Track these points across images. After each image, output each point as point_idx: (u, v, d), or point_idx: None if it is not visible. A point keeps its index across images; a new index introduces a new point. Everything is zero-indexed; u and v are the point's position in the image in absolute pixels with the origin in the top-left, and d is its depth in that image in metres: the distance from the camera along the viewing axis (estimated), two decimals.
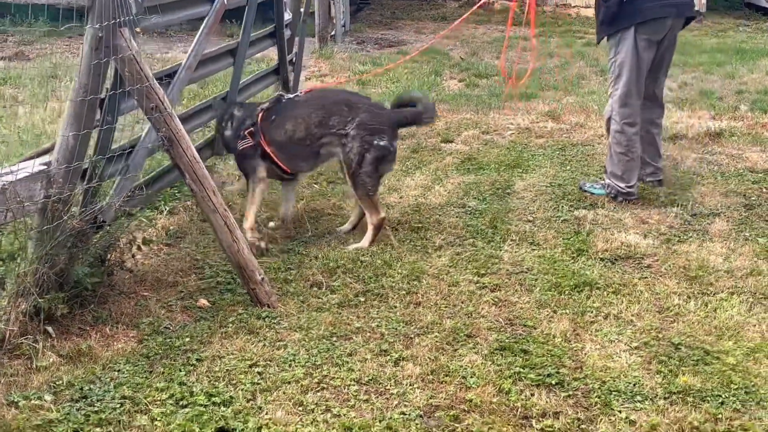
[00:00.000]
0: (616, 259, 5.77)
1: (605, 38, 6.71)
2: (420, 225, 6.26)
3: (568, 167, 7.63)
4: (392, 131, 6.00)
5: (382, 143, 5.92)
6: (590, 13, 15.26)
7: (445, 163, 7.78)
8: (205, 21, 6.05)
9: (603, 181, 6.92)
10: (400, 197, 6.85)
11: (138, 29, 4.58)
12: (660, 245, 5.98)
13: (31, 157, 4.80)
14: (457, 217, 6.44)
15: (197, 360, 4.44)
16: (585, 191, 6.95)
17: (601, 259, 5.75)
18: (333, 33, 13.41)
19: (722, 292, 5.30)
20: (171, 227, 6.08)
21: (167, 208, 6.31)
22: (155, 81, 4.69)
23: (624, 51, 6.54)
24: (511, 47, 13.93)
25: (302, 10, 9.05)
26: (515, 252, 5.84)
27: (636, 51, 6.51)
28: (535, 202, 6.76)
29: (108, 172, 5.03)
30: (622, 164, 6.70)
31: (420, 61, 12.50)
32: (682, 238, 6.11)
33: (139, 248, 5.30)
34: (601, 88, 10.50)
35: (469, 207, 6.64)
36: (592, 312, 5.03)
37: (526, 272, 5.54)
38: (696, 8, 16.64)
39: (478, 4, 10.84)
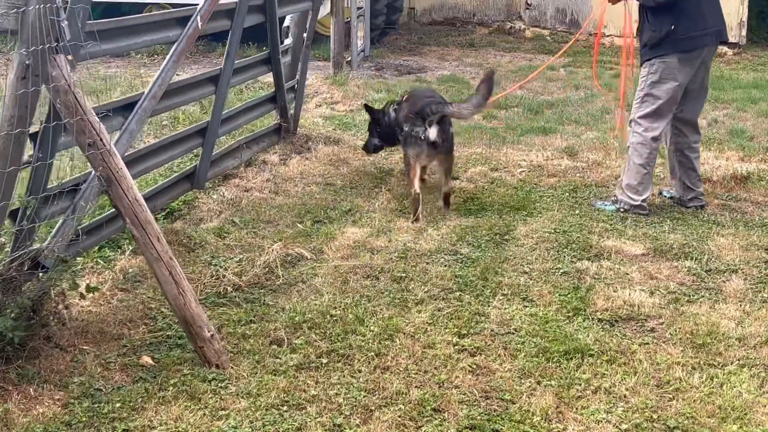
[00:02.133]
0: (616, 321, 5.19)
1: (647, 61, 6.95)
2: (404, 274, 5.71)
3: (578, 211, 7.04)
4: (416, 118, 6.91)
5: (406, 129, 6.97)
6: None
7: None
8: (174, 47, 5.56)
9: (613, 198, 7.16)
10: (389, 241, 6.31)
11: (70, 57, 4.08)
12: (667, 305, 5.39)
13: None
14: (446, 265, 5.89)
15: (124, 431, 3.93)
16: (596, 208, 7.09)
17: (600, 320, 5.18)
18: (349, 58, 12.92)
19: (731, 363, 4.71)
20: (131, 269, 5.58)
21: (130, 247, 5.82)
22: (93, 114, 4.20)
23: (661, 74, 6.79)
24: (535, 78, 13.38)
25: (305, 35, 8.54)
26: (504, 309, 5.28)
27: (674, 76, 6.77)
28: (535, 250, 6.19)
29: (46, 213, 4.55)
30: (640, 176, 6.92)
31: (437, 89, 11.95)
32: (693, 297, 5.52)
33: (82, 296, 4.81)
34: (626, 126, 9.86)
35: (461, 254, 6.09)
36: (580, 385, 4.46)
37: (513, 333, 4.98)
38: (735, 40, 16.16)
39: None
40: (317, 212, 6.88)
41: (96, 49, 4.61)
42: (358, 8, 13.65)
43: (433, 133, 6.82)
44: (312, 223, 6.63)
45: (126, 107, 5.25)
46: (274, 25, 7.47)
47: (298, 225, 6.56)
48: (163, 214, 6.55)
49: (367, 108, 7.95)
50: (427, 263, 5.91)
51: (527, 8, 17.81)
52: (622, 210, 6.98)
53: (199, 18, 5.68)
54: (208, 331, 4.49)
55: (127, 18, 5.12)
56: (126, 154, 5.70)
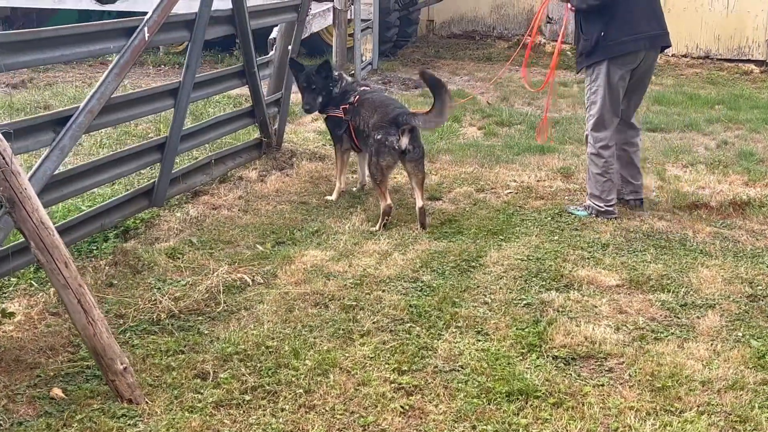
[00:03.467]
0: (572, 359, 4.83)
1: (584, 69, 7.13)
2: (355, 303, 5.39)
3: (557, 237, 6.68)
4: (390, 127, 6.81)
5: (378, 137, 6.83)
6: None
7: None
8: (116, 59, 5.29)
9: (586, 204, 7.27)
10: (348, 265, 5.99)
11: None
12: (631, 342, 5.03)
13: None
14: (402, 293, 5.57)
15: None
16: (570, 213, 7.25)
17: (555, 358, 4.82)
18: (353, 71, 12.64)
19: (690, 409, 4.35)
20: None
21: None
22: None
23: (599, 81, 6.95)
24: (546, 94, 13.00)
25: (290, 47, 8.26)
26: (454, 343, 4.94)
27: (609, 82, 6.92)
28: (502, 279, 5.85)
29: None
30: (600, 184, 7.11)
31: None
32: (661, 334, 5.15)
33: None
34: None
35: (421, 282, 5.76)
36: (518, 431, 4.11)
37: (458, 371, 4.65)
38: (762, 58, 15.68)
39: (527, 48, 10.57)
40: (282, 233, 6.59)
41: (12, 61, 4.35)
42: (364, 20, 13.38)
43: (404, 141, 6.80)
44: (273, 245, 6.34)
45: (59, 122, 4.98)
46: (246, 36, 7.19)
47: (258, 247, 6.27)
48: (117, 231, 6.30)
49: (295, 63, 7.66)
50: (383, 291, 5.59)
51: (548, 22, 17.43)
52: (593, 215, 7.14)
53: (146, 29, 5.42)
54: (121, 364, 4.21)
55: (49, 29, 4.84)
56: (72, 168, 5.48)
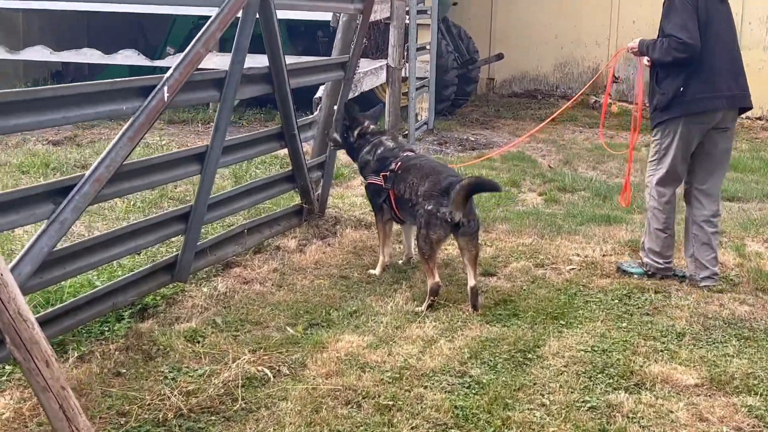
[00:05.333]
0: None
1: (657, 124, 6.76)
2: (392, 402, 4.69)
3: (625, 324, 5.94)
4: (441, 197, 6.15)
5: (428, 207, 6.17)
6: None
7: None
8: (129, 121, 4.73)
9: (641, 260, 7.01)
10: (388, 354, 5.31)
11: None
12: None
13: None
14: (447, 391, 4.86)
15: None
16: (623, 271, 7.00)
17: None
18: (407, 131, 12.06)
19: None
20: (71, 382, 4.69)
21: (76, 354, 4.96)
22: None
23: (671, 138, 6.64)
24: (611, 158, 12.28)
25: (336, 107, 7.70)
26: None
27: (682, 139, 6.60)
28: (562, 374, 5.13)
29: None
30: (660, 240, 6.83)
31: (499, 168, 11.00)
32: None
33: None
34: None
35: (469, 377, 5.05)
36: None
37: None
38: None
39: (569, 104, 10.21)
40: (317, 312, 5.95)
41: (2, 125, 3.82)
42: (419, 78, 12.82)
43: (458, 213, 6.11)
44: (305, 327, 5.69)
45: (59, 192, 4.41)
46: (285, 96, 6.61)
47: (289, 329, 5.63)
48: (134, 310, 5.69)
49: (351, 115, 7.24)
50: (425, 387, 4.90)
51: (614, 81, 16.70)
52: (649, 273, 6.88)
53: (165, 88, 4.86)
54: None
55: (47, 88, 4.29)
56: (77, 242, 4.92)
